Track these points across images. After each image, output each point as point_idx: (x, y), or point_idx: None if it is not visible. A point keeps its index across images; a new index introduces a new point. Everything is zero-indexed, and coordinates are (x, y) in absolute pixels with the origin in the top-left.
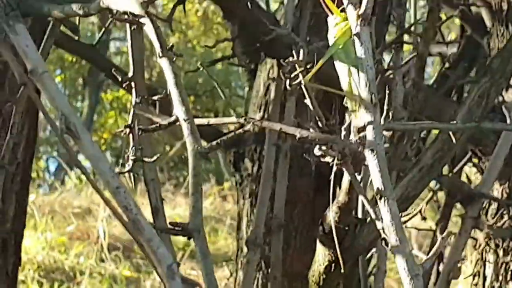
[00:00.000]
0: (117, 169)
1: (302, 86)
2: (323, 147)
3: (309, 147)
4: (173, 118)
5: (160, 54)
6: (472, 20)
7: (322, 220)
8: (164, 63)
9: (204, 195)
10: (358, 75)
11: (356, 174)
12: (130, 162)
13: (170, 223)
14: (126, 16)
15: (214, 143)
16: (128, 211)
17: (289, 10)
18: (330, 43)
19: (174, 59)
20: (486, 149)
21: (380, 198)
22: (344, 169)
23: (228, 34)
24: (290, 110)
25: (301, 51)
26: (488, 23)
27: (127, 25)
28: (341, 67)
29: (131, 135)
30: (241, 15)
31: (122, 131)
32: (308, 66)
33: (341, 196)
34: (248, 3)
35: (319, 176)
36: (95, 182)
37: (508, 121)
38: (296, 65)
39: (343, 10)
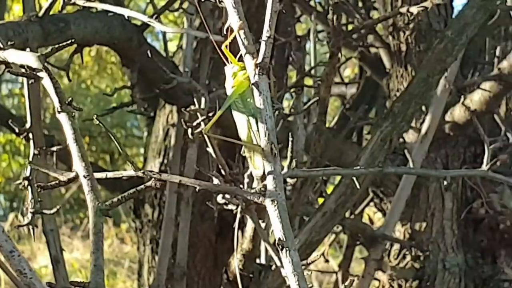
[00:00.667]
0: (16, 222)
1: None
2: (227, 195)
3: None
4: (73, 175)
5: (59, 109)
6: (371, 61)
7: (226, 267)
8: (63, 118)
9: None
10: (257, 125)
11: (260, 221)
12: (29, 215)
13: (70, 282)
14: (23, 70)
15: (115, 199)
16: (22, 275)
17: (188, 54)
18: (228, 92)
19: (74, 114)
20: (387, 190)
21: (282, 249)
22: (248, 216)
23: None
24: (191, 157)
25: (203, 99)
26: (387, 64)
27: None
28: (239, 117)
29: (29, 188)
30: (141, 62)
31: (20, 183)
32: (210, 114)
33: (245, 243)
34: (148, 51)
35: (221, 221)
36: None
37: (411, 164)
38: (198, 114)
39: (240, 59)
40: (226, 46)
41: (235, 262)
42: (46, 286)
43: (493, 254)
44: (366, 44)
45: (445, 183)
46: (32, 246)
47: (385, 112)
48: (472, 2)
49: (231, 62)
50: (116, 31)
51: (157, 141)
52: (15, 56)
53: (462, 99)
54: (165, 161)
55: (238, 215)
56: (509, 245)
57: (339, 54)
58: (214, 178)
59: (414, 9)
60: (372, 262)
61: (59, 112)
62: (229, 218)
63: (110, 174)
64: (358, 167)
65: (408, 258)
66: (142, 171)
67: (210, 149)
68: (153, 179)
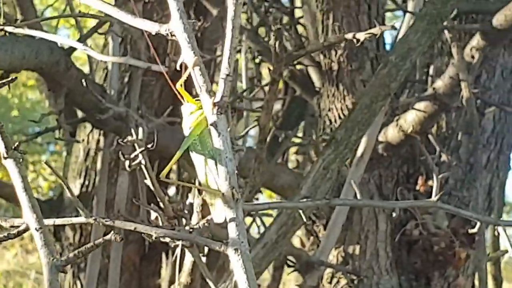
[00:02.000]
0: None
1: (143, 167)
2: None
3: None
4: (23, 227)
5: (5, 155)
6: (299, 79)
7: None
8: (10, 165)
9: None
10: (216, 167)
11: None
12: None
13: None
14: None
15: (71, 255)
16: None
17: (114, 75)
18: (185, 133)
19: (21, 159)
20: (319, 212)
21: None
22: (188, 250)
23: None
24: (122, 185)
25: (140, 129)
26: (316, 82)
27: None
28: (197, 159)
29: None
30: (68, 86)
31: None
32: (149, 146)
33: (184, 277)
34: (81, 79)
35: (145, 243)
36: None
37: (358, 194)
38: (136, 145)
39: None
40: (182, 84)
41: None
42: None
43: (426, 276)
44: (296, 62)
45: (394, 214)
46: None
47: (328, 140)
48: (417, 26)
49: (188, 101)
50: (44, 56)
51: (77, 161)
52: None
53: (395, 119)
54: (86, 182)
55: (179, 249)
56: (442, 267)
57: (279, 81)
58: (152, 212)
59: (361, 36)
60: None
61: (5, 158)
62: (154, 241)
63: (59, 221)
64: (304, 200)
65: (343, 282)
66: (93, 217)
67: (148, 182)
68: (112, 232)
